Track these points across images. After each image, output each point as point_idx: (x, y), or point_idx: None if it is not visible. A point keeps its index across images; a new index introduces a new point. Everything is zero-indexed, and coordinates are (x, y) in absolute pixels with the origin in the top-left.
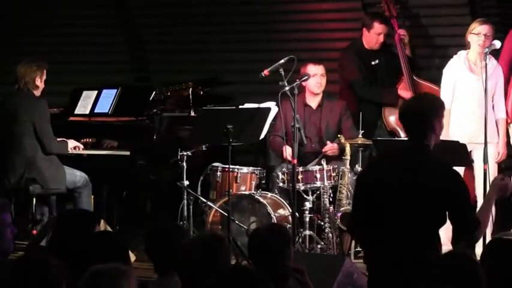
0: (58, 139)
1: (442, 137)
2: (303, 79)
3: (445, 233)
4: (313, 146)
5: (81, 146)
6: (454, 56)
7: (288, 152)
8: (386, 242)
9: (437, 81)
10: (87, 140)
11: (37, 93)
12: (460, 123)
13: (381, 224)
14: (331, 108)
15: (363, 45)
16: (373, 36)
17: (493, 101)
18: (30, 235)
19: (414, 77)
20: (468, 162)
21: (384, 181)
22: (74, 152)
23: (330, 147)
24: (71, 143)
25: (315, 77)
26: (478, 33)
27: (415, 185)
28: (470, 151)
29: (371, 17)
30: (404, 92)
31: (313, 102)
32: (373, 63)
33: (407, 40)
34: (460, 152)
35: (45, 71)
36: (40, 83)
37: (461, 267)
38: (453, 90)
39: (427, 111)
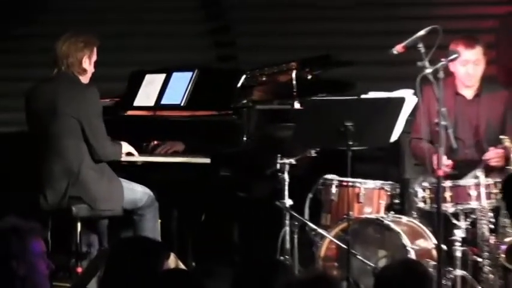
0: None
1: None
2: (451, 58)
3: None
4: (467, 152)
5: (136, 153)
6: None
7: (442, 161)
8: None
9: None
10: (153, 143)
11: (84, 79)
12: None
13: None
14: (493, 100)
15: None
16: None
17: None
18: (73, 274)
19: None
20: None
21: None
22: (127, 159)
23: (494, 155)
24: (124, 147)
25: (467, 66)
26: None
27: None
28: None
29: None
30: None
31: (467, 90)
32: None
33: None
34: None
35: (95, 50)
36: (89, 65)
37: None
38: None
39: None
